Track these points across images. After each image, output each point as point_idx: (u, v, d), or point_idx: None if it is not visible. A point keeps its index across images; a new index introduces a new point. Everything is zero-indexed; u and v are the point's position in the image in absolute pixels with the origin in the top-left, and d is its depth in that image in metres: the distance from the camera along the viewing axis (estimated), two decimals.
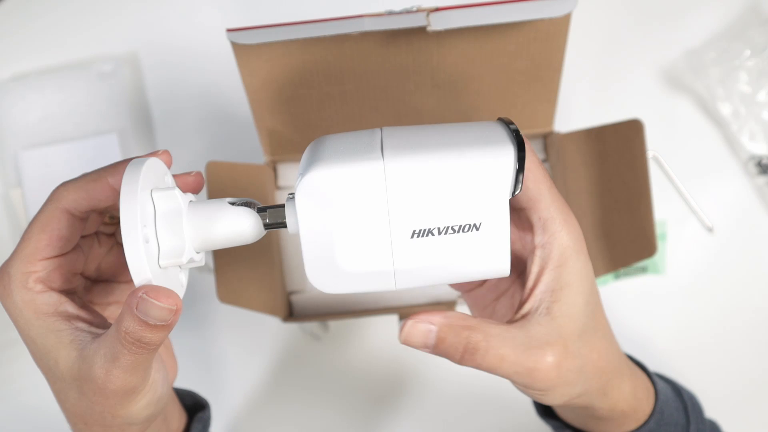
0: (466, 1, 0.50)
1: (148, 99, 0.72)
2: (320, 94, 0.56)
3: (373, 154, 0.34)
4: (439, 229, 0.34)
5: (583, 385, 0.39)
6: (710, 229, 0.68)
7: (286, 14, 0.64)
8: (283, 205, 0.36)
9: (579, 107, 0.69)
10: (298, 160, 0.63)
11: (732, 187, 0.69)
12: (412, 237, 0.34)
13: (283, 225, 0.36)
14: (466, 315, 0.37)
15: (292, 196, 0.35)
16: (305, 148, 0.62)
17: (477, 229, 0.34)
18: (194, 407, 0.49)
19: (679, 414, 0.47)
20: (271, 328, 0.67)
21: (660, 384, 0.47)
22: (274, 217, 0.36)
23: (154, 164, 0.36)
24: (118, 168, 0.37)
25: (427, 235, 0.34)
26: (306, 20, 0.49)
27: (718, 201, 0.68)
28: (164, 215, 0.35)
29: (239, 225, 0.36)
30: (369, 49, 0.52)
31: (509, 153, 0.34)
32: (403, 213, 0.34)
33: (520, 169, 0.34)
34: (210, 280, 0.67)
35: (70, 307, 0.37)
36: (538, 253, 0.38)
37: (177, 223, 0.35)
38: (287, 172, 0.64)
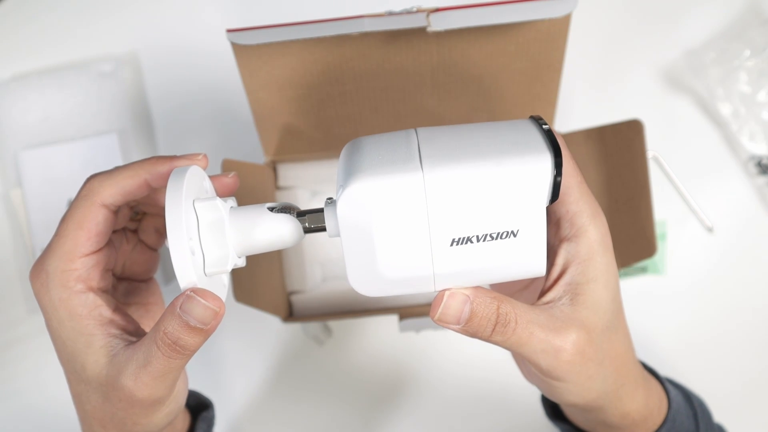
0: (466, 1, 0.50)
1: (148, 99, 0.72)
2: (320, 94, 0.56)
3: (411, 164, 0.34)
4: (477, 236, 0.34)
5: (602, 382, 0.39)
6: (710, 229, 0.68)
7: (286, 14, 0.64)
8: (321, 210, 0.37)
9: (579, 107, 0.69)
10: (298, 160, 0.64)
11: (732, 187, 0.69)
12: (451, 245, 0.34)
13: (323, 229, 0.37)
14: (493, 291, 0.37)
15: (330, 201, 0.37)
16: (305, 148, 0.62)
17: (515, 235, 0.34)
18: (198, 407, 0.49)
19: (690, 422, 0.47)
20: (272, 329, 0.67)
21: (673, 392, 0.47)
22: (313, 221, 0.37)
23: (195, 172, 0.37)
24: (155, 165, 0.37)
25: (466, 243, 0.34)
26: (306, 20, 0.49)
27: (718, 201, 0.68)
28: (208, 226, 0.36)
29: (280, 230, 0.37)
30: (369, 49, 0.52)
31: (546, 160, 0.34)
32: (442, 222, 0.34)
33: (558, 174, 0.34)
34: None
35: (105, 311, 0.37)
36: (564, 246, 0.38)
37: (220, 233, 0.36)
38: (287, 172, 0.64)
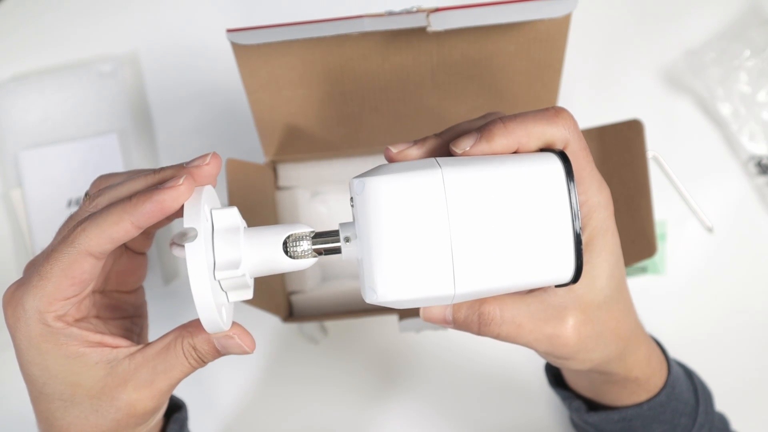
0: (466, 1, 0.50)
1: (148, 99, 0.72)
2: (320, 94, 0.56)
3: (430, 165, 0.34)
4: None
5: (602, 351, 0.39)
6: (710, 229, 0.68)
7: (286, 14, 0.64)
8: (336, 232, 0.37)
9: (579, 107, 0.69)
10: (298, 160, 0.64)
11: (732, 187, 0.69)
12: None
13: (338, 251, 0.37)
14: None
15: (353, 203, 0.36)
16: (305, 148, 0.62)
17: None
18: (170, 408, 0.49)
19: (690, 394, 0.48)
20: (267, 329, 0.67)
21: (672, 361, 0.48)
22: (328, 244, 0.37)
23: (208, 196, 0.37)
24: (139, 207, 0.35)
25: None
26: (306, 20, 0.49)
27: (718, 201, 0.68)
28: (225, 265, 0.36)
29: (297, 267, 0.37)
30: (369, 49, 0.52)
31: (554, 160, 0.35)
32: (463, 219, 0.33)
33: (569, 174, 0.34)
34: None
35: (91, 336, 0.37)
36: None
37: (240, 275, 0.36)
38: (287, 172, 0.64)
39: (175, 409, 0.49)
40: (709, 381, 0.62)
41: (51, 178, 0.68)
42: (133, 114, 0.70)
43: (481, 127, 0.36)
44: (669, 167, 0.68)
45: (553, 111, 0.36)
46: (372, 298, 0.34)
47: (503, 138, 0.35)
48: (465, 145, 0.35)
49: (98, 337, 0.37)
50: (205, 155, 0.37)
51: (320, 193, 0.67)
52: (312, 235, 0.37)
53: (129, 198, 0.36)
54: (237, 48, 0.50)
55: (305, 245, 0.37)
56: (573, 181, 0.34)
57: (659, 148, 0.68)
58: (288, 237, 0.37)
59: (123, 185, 0.38)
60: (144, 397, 0.37)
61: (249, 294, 0.38)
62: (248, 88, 0.55)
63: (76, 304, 0.37)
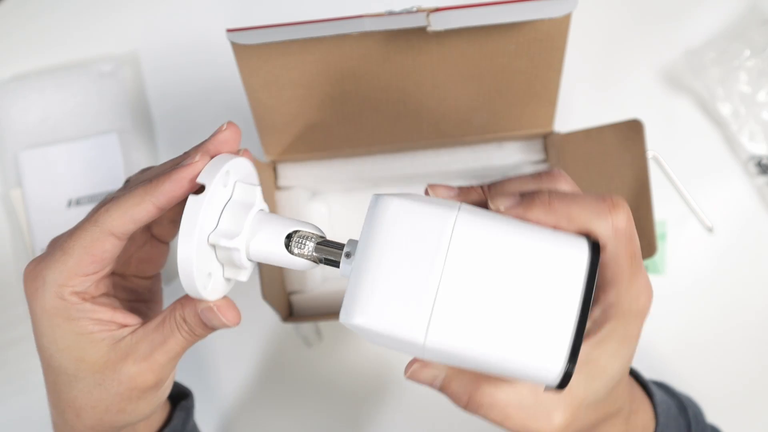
0: (466, 1, 0.50)
1: (148, 99, 0.72)
2: (320, 94, 0.56)
3: (450, 205, 0.32)
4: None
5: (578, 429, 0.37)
6: (710, 229, 0.68)
7: (286, 14, 0.64)
8: (342, 245, 0.35)
9: (579, 107, 0.69)
10: (298, 160, 0.64)
11: (732, 187, 0.69)
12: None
13: (336, 265, 0.36)
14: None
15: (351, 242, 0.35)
16: (305, 148, 0.62)
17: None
18: (177, 396, 0.50)
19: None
20: (260, 330, 0.67)
21: (662, 407, 0.45)
22: (330, 256, 0.36)
23: (238, 168, 0.37)
24: (159, 187, 0.36)
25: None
26: (306, 20, 0.49)
27: (718, 201, 0.68)
28: (223, 232, 0.36)
29: (294, 265, 0.37)
30: (369, 49, 0.52)
31: (583, 248, 0.31)
32: (459, 270, 0.31)
33: (592, 270, 0.31)
34: None
35: (104, 314, 0.38)
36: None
37: (234, 247, 0.36)
38: (287, 172, 0.64)
39: (183, 397, 0.50)
40: (710, 381, 0.63)
41: (51, 178, 0.68)
42: (133, 114, 0.70)
43: (525, 194, 0.34)
44: (669, 167, 0.68)
45: (607, 204, 0.33)
46: (342, 317, 0.32)
47: (542, 214, 0.33)
48: (501, 204, 0.34)
49: (109, 315, 0.38)
50: (221, 125, 0.38)
51: (320, 193, 0.67)
52: (319, 240, 0.36)
53: (150, 180, 0.36)
54: (237, 48, 0.50)
55: (308, 247, 0.36)
56: (594, 279, 0.31)
57: (659, 148, 0.68)
58: (295, 232, 0.36)
59: (152, 170, 0.39)
60: (143, 370, 0.38)
61: (244, 275, 0.38)
62: (248, 88, 0.55)
63: (94, 282, 0.38)
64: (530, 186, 0.35)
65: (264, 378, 0.68)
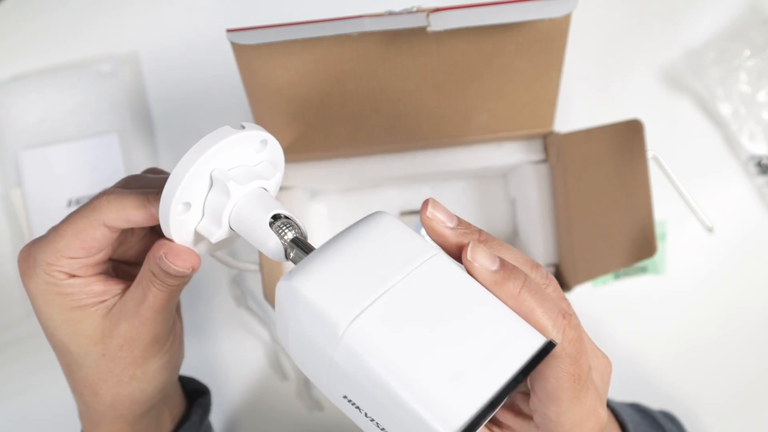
0: (466, 1, 0.50)
1: (148, 99, 0.72)
2: (320, 94, 0.56)
3: (434, 244, 0.32)
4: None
5: None
6: (710, 229, 0.68)
7: (286, 14, 0.64)
8: (312, 249, 0.35)
9: (579, 107, 0.69)
10: (298, 160, 0.64)
11: (732, 187, 0.69)
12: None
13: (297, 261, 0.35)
14: None
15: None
16: (305, 148, 0.62)
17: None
18: (195, 393, 0.50)
19: None
20: (264, 330, 0.67)
21: (631, 425, 0.45)
22: (297, 256, 0.36)
23: (240, 141, 0.37)
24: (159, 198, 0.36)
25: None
26: (306, 20, 0.49)
27: (718, 201, 0.68)
28: (212, 202, 0.36)
29: (268, 246, 0.36)
30: (369, 49, 0.52)
31: (538, 338, 0.31)
32: (413, 292, 0.31)
33: (531, 365, 0.30)
34: (205, 280, 0.67)
35: (96, 287, 0.39)
36: None
37: (218, 214, 0.36)
38: (287, 172, 0.64)
39: (200, 394, 0.50)
40: (709, 382, 0.63)
41: (51, 178, 0.68)
42: (133, 114, 0.70)
43: (504, 262, 0.33)
44: (669, 167, 0.68)
45: (566, 322, 0.32)
46: (283, 278, 0.32)
47: (509, 298, 0.32)
48: (476, 255, 0.32)
49: (102, 286, 0.39)
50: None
51: (320, 193, 0.67)
52: (300, 235, 0.36)
53: (157, 191, 0.37)
54: (237, 48, 0.50)
55: (288, 235, 0.36)
56: (527, 373, 0.30)
57: (659, 148, 0.68)
58: (286, 217, 0.36)
59: (165, 176, 0.40)
60: (135, 325, 0.38)
61: (221, 234, 0.37)
62: (248, 88, 0.55)
63: (84, 266, 0.38)
64: (520, 261, 0.34)
65: (266, 378, 0.68)
